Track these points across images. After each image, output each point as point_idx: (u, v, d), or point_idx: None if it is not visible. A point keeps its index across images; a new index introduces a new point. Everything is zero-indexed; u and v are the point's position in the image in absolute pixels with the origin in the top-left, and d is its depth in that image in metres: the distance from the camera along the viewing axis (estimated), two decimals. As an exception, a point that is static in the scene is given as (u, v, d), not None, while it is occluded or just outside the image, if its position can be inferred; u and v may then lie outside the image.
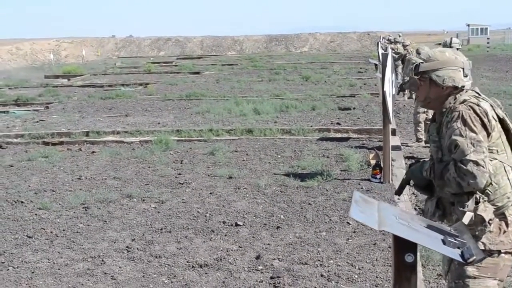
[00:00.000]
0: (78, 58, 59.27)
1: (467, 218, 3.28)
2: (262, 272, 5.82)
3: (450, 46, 10.77)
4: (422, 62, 3.57)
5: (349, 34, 71.41)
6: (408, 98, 18.38)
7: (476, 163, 3.25)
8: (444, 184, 3.39)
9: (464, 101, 3.45)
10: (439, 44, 12.63)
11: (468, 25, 74.37)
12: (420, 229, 2.95)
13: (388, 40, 26.21)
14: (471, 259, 2.69)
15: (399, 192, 3.83)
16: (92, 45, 70.17)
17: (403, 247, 2.79)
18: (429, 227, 3.03)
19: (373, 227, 2.74)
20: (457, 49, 10.79)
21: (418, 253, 5.49)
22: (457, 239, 2.84)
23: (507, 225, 3.43)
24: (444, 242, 2.83)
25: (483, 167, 3.26)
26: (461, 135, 3.33)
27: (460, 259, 2.70)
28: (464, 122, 3.36)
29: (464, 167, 3.27)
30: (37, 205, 8.27)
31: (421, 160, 3.73)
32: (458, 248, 2.79)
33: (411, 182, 3.67)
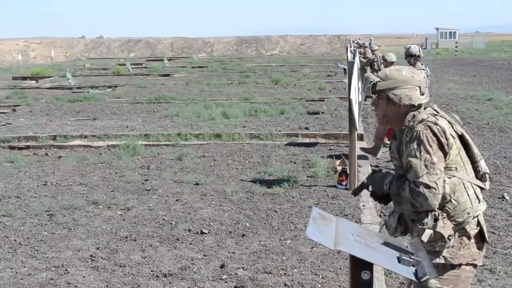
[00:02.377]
0: (47, 59, 58.66)
1: (426, 235, 3.32)
2: (226, 282, 5.82)
3: (410, 52, 10.80)
4: (379, 81, 3.60)
5: (320, 37, 71.80)
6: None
7: (428, 186, 3.28)
8: (400, 201, 3.43)
9: (422, 120, 3.46)
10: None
11: (437, 29, 75.28)
12: (376, 247, 2.97)
13: (358, 44, 26.39)
14: (424, 278, 2.72)
15: (356, 193, 3.83)
16: (61, 46, 69.53)
17: (360, 265, 2.82)
18: (386, 244, 3.06)
19: (329, 247, 2.76)
20: (418, 55, 10.81)
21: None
22: (412, 256, 2.87)
23: (468, 238, 3.46)
24: (399, 260, 2.86)
25: (435, 189, 3.28)
26: (415, 157, 3.36)
27: (414, 278, 2.74)
28: (420, 143, 3.37)
29: (417, 189, 3.30)
30: (0, 212, 8.18)
31: (383, 169, 3.73)
32: (413, 266, 2.82)
33: (370, 188, 3.69)
